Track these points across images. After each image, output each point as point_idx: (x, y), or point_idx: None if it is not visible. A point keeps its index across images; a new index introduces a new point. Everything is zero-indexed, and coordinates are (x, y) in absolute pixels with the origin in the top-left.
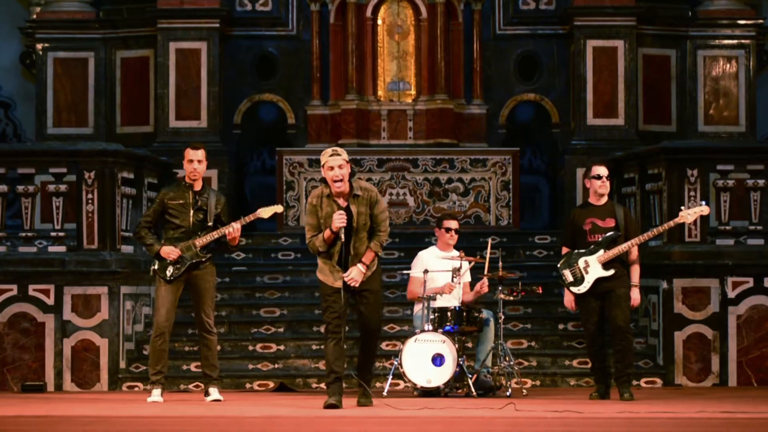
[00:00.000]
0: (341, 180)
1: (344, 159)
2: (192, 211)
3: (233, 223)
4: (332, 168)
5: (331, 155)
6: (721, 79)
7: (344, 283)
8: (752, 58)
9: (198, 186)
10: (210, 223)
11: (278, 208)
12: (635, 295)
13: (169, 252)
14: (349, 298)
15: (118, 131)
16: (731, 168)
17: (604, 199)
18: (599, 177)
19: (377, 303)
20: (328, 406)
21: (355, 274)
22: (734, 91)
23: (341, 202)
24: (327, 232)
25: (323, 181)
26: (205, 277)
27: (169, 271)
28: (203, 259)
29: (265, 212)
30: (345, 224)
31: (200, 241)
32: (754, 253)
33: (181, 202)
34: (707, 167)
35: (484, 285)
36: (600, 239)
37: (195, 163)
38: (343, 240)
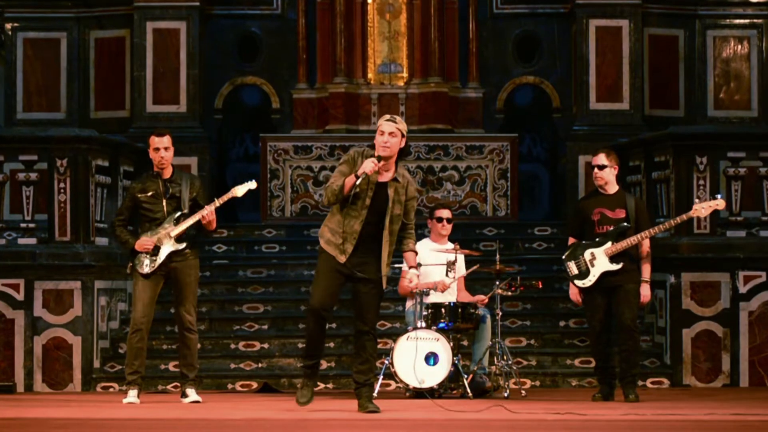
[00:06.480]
0: (389, 147)
1: (398, 128)
2: (165, 201)
3: (207, 206)
4: (383, 133)
5: (387, 119)
6: (732, 61)
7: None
8: (765, 38)
9: (167, 173)
10: (185, 210)
11: (251, 184)
12: (645, 292)
13: (143, 243)
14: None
15: (92, 116)
16: (743, 155)
17: (615, 188)
18: (593, 167)
19: (377, 298)
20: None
21: (412, 275)
22: (746, 73)
23: (381, 171)
24: (351, 177)
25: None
26: (186, 270)
27: (146, 264)
28: (180, 249)
29: (239, 190)
30: (373, 172)
31: (176, 230)
32: (767, 246)
33: (151, 193)
34: (717, 154)
35: (484, 300)
36: (608, 231)
37: (162, 150)
38: (363, 176)
